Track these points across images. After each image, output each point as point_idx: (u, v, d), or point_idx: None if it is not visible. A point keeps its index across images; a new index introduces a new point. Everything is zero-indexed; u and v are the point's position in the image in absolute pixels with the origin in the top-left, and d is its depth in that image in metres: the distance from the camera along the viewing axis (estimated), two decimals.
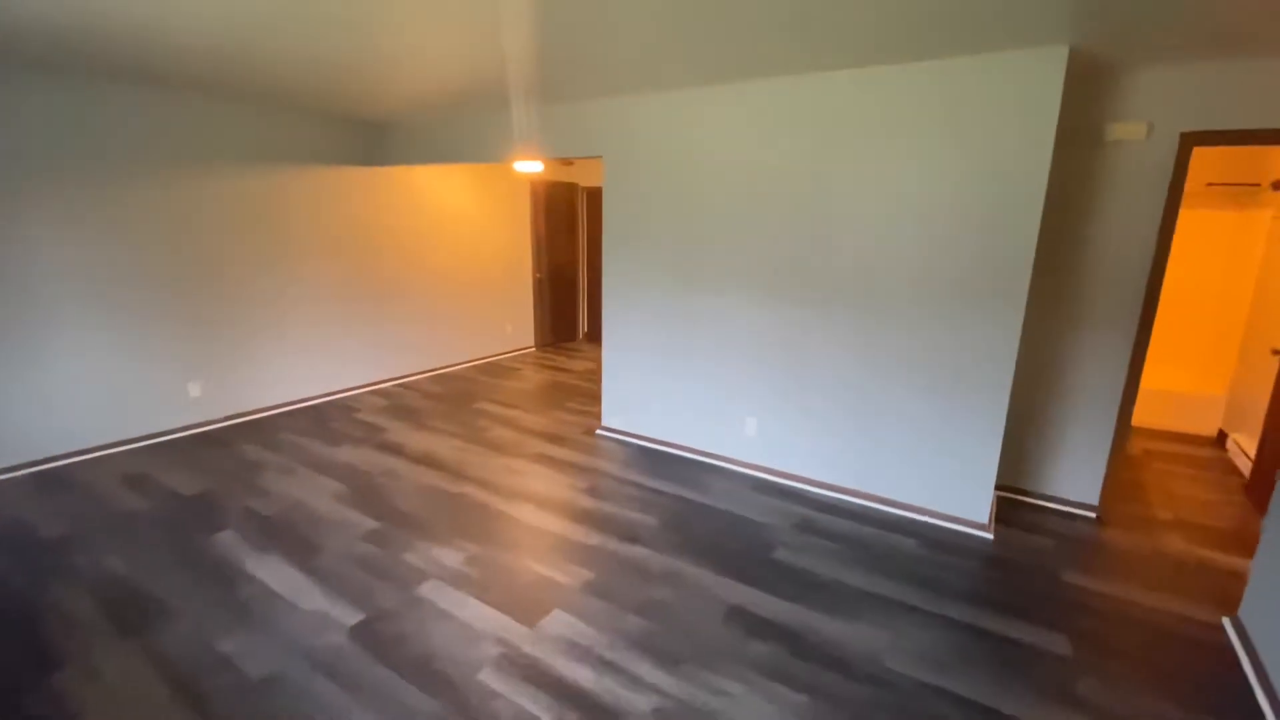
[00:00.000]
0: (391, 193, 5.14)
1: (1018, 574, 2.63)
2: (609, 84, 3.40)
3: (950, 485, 3.01)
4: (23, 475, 3.35)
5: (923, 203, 2.87)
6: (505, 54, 3.01)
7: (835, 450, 3.30)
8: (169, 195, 3.80)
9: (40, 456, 3.46)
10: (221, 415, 4.25)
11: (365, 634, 2.16)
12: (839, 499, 3.29)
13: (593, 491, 3.33)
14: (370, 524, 2.93)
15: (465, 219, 5.86)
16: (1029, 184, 2.63)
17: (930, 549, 2.81)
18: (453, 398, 5.02)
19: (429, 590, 2.42)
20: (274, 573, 2.52)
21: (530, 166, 5.16)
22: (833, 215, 3.10)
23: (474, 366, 6.08)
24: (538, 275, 6.86)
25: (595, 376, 5.74)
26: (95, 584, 2.42)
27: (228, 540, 2.76)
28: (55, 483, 3.28)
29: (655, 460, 3.78)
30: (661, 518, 3.05)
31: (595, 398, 5.04)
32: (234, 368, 4.27)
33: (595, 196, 7.14)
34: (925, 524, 3.04)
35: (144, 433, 3.88)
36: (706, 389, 3.70)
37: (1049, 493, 3.30)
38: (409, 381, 5.47)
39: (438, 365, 5.84)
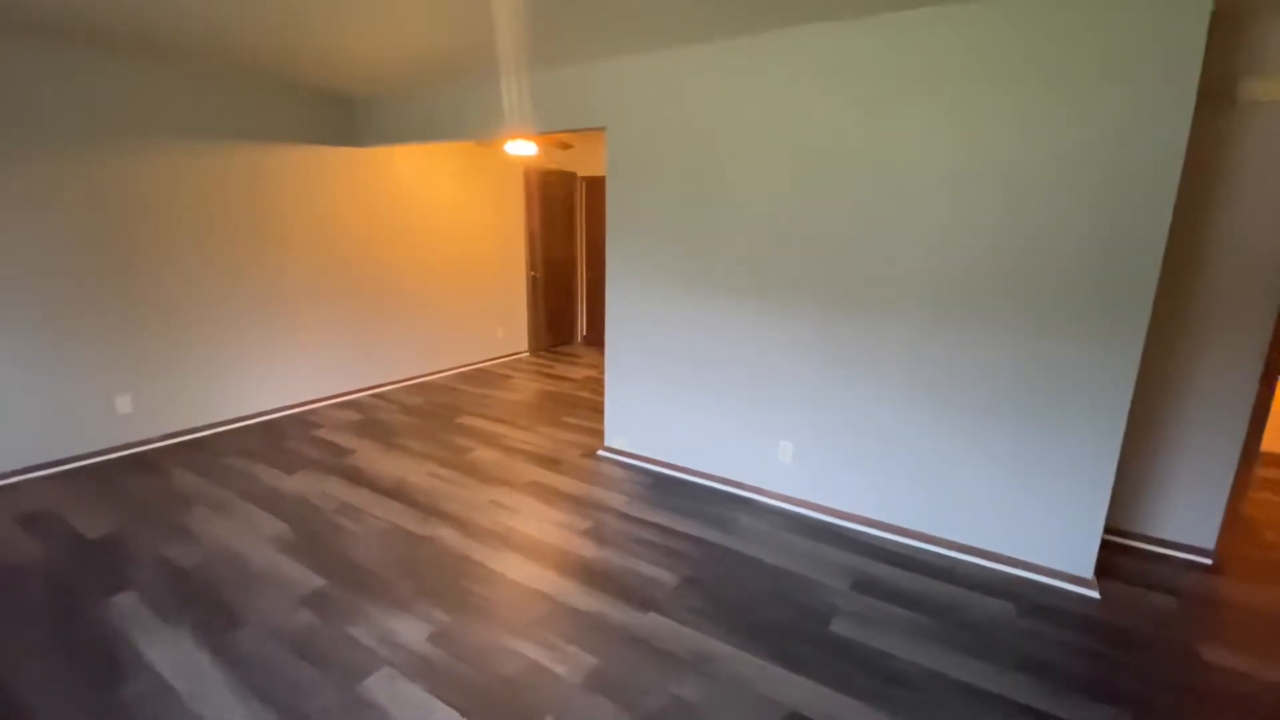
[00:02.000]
0: (367, 178, 4.51)
1: (1146, 653, 2.03)
2: (613, 42, 2.80)
3: (1045, 532, 2.41)
4: None
5: (1015, 180, 2.27)
6: (491, 8, 2.42)
7: (896, 485, 2.70)
8: (94, 174, 3.17)
9: None
10: (157, 434, 3.61)
11: None
12: (903, 545, 2.68)
13: (595, 534, 2.72)
14: (314, 581, 2.31)
15: (451, 210, 5.24)
16: (1162, 154, 2.04)
17: (1031, 616, 2.20)
18: (433, 411, 4.40)
19: (377, 685, 1.80)
20: (174, 657, 1.89)
21: (523, 148, 4.56)
22: (894, 196, 2.50)
23: (460, 374, 5.45)
24: (532, 273, 6.24)
25: (596, 385, 5.13)
26: None
27: (125, 606, 2.13)
28: None
29: (668, 490, 3.17)
30: (681, 571, 2.44)
31: (597, 410, 4.42)
32: (172, 378, 3.64)
33: (596, 186, 6.53)
34: (1015, 580, 2.43)
35: (60, 456, 3.25)
36: (730, 406, 3.09)
37: (1152, 533, 2.70)
38: (384, 392, 4.84)
39: (418, 373, 5.21)
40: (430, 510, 2.90)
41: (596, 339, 6.95)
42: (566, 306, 6.82)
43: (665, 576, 2.40)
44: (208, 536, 2.61)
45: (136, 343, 3.45)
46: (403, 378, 5.07)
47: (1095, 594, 2.33)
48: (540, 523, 2.81)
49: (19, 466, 3.13)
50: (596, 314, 6.93)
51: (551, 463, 3.49)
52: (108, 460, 3.37)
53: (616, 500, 3.05)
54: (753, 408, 3.02)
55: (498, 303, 5.92)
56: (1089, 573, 2.35)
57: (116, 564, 2.39)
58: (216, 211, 3.70)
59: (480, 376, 5.40)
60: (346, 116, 4.33)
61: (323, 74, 3.58)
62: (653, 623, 2.12)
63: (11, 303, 2.99)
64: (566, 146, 5.24)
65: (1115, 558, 2.61)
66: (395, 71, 3.46)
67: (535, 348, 6.43)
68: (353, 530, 2.70)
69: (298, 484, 3.14)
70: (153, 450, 3.53)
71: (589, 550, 2.58)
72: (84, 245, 3.20)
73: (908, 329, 2.55)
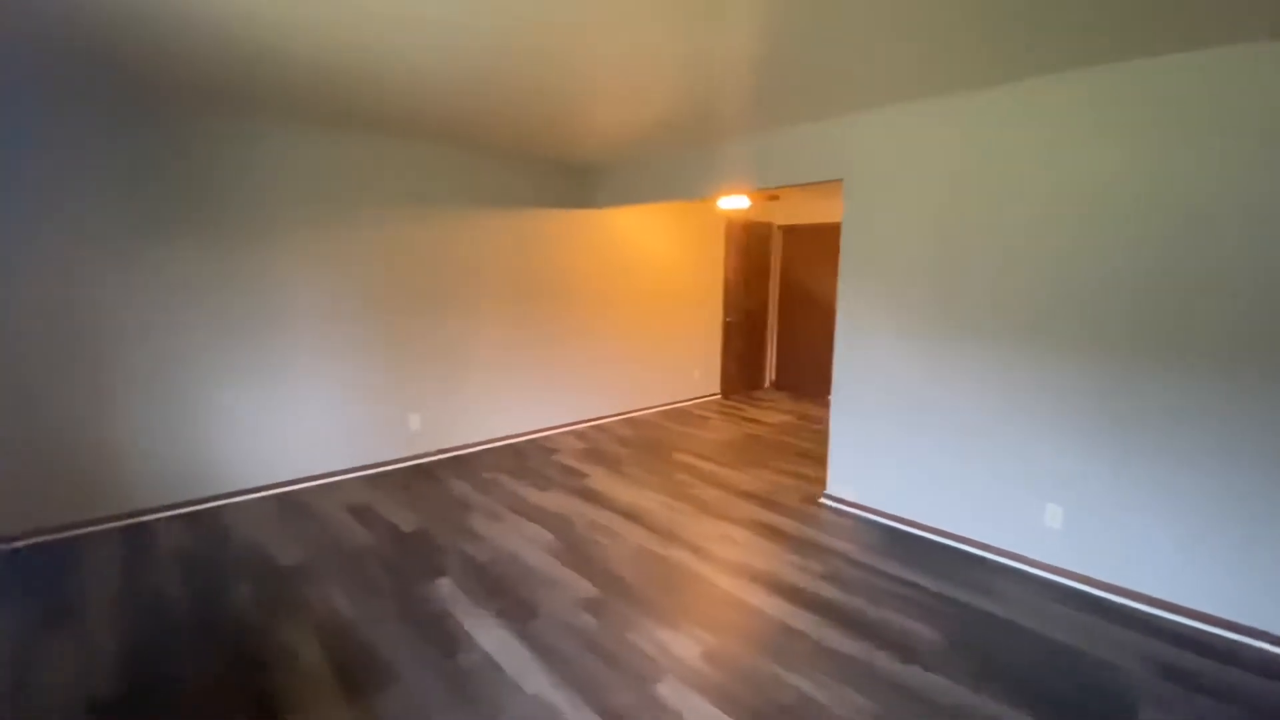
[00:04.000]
0: (588, 233, 5.09)
1: None
2: (856, 99, 2.93)
3: None
4: (269, 497, 3.57)
5: None
6: (725, 78, 2.69)
7: (1207, 563, 2.34)
8: (389, 235, 4.00)
9: (285, 479, 3.68)
10: (434, 449, 4.32)
11: None
12: (1217, 635, 2.29)
13: (834, 579, 2.70)
14: (587, 588, 2.59)
15: (659, 259, 5.68)
16: None
17: None
18: (647, 445, 4.70)
19: (668, 692, 1.96)
20: (494, 638, 2.24)
21: (737, 202, 4.85)
22: (1184, 235, 2.25)
23: (661, 412, 5.78)
24: (728, 318, 6.47)
25: (796, 432, 5.11)
26: (323, 625, 2.31)
27: (446, 591, 2.56)
28: (294, 508, 3.43)
29: (905, 545, 3.04)
30: (944, 630, 2.33)
31: (805, 457, 4.41)
32: (445, 402, 4.35)
33: (793, 235, 6.66)
34: None
35: (368, 462, 4.03)
36: (982, 460, 2.92)
37: None
38: (601, 424, 5.29)
39: (627, 409, 5.62)
40: (669, 536, 3.10)
41: (785, 384, 6.94)
42: (757, 352, 6.92)
43: (926, 633, 2.31)
44: (492, 538, 3.05)
45: (424, 371, 4.21)
46: (615, 412, 5.50)
47: None
48: (774, 561, 2.86)
49: (341, 468, 3.93)
50: (786, 359, 6.94)
51: (771, 504, 3.54)
52: (401, 468, 4.10)
53: (849, 548, 3.00)
54: (1010, 465, 2.83)
55: (695, 346, 6.21)
56: None
57: (430, 554, 2.88)
58: (474, 266, 4.43)
59: (680, 415, 5.67)
60: (578, 183, 4.95)
61: (563, 150, 4.18)
62: (923, 678, 2.05)
63: (338, 340, 3.84)
64: (774, 198, 5.45)
65: None
66: (626, 140, 3.92)
67: (727, 390, 6.59)
68: (607, 546, 2.97)
69: (552, 501, 3.54)
70: (431, 462, 4.22)
71: (831, 593, 2.57)
72: (384, 293, 4.01)
73: (1229, 385, 2.24)
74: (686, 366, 6.15)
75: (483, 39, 2.22)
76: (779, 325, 7.02)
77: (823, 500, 3.60)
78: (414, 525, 3.20)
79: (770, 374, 7.14)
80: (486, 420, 4.59)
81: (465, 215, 4.30)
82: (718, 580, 2.68)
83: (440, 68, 2.53)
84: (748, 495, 3.68)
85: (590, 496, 3.62)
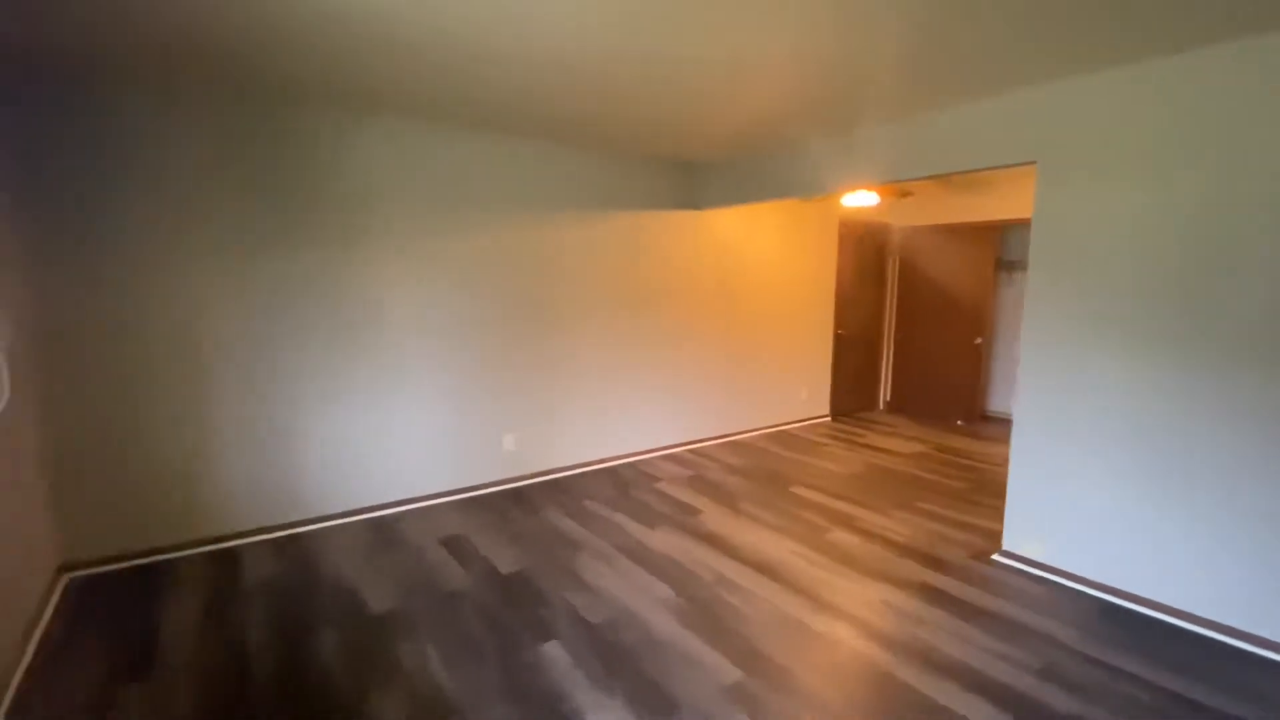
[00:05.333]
0: (689, 238, 4.60)
1: None
2: (1055, 63, 2.29)
3: None
4: (358, 522, 3.29)
5: None
6: (875, 53, 2.16)
7: None
8: (487, 241, 3.67)
9: (374, 503, 3.40)
10: (529, 471, 3.95)
11: None
12: None
13: (1056, 678, 2.04)
14: (729, 670, 2.07)
15: (764, 266, 5.11)
16: None
17: None
18: (758, 474, 4.14)
19: None
20: None
21: (862, 199, 4.24)
22: None
23: (767, 435, 5.19)
24: (839, 331, 5.81)
25: (935, 465, 4.39)
26: (417, 695, 1.92)
27: (557, 660, 2.12)
28: (385, 537, 3.12)
29: (1129, 628, 2.33)
30: None
31: (958, 499, 3.71)
32: (539, 422, 3.97)
33: (915, 237, 5.92)
34: None
35: (460, 485, 3.70)
36: (1239, 519, 2.19)
37: None
38: (701, 448, 4.77)
39: (729, 431, 5.07)
40: (815, 599, 2.53)
41: (903, 406, 6.17)
42: (871, 369, 6.20)
43: None
44: (602, 589, 2.59)
45: (521, 388, 3.85)
46: (715, 435, 4.97)
47: None
48: (966, 645, 2.23)
49: (432, 491, 3.61)
50: (905, 378, 6.17)
51: (934, 561, 2.90)
52: (495, 492, 3.74)
53: (1059, 630, 2.32)
54: (1260, 532, 2.08)
55: (804, 362, 5.59)
56: None
57: (534, 605, 2.46)
58: (581, 273, 4.04)
59: (788, 440, 5.06)
60: (688, 182, 4.49)
61: (683, 144, 3.72)
62: None
63: (436, 355, 3.53)
64: (907, 194, 4.78)
65: None
66: (752, 132, 3.42)
67: (836, 412, 5.91)
68: (741, 609, 2.45)
69: (663, 542, 3.05)
70: (525, 486, 3.85)
71: (1059, 700, 1.93)
72: (482, 307, 3.67)
73: None
74: (794, 384, 5.53)
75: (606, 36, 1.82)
76: (895, 339, 6.27)
77: (997, 558, 2.91)
78: (513, 565, 2.80)
79: (885, 394, 6.39)
80: (583, 441, 4.18)
81: (565, 219, 3.93)
82: (896, 670, 2.09)
83: (560, 55, 2.16)
84: (900, 547, 3.04)
85: (708, 539, 3.11)
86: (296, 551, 2.93)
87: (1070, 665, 2.11)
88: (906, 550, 3.01)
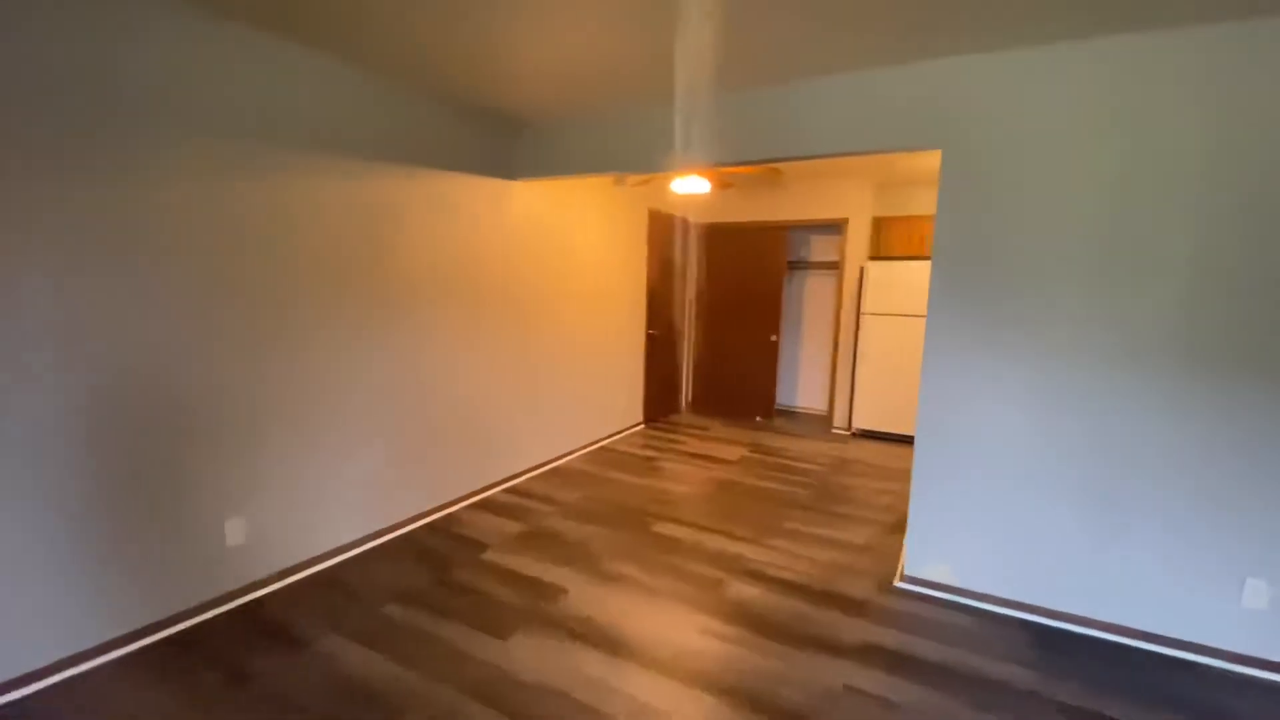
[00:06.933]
0: (494, 214, 3.56)
1: None
2: (970, 36, 2.03)
3: None
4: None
5: None
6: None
7: None
8: (201, 191, 2.16)
9: None
10: (271, 571, 2.46)
11: None
12: None
13: None
14: None
15: (582, 257, 4.30)
16: None
17: None
18: (605, 513, 3.34)
19: None
20: None
21: (692, 185, 3.78)
22: None
23: (588, 455, 4.41)
24: (651, 331, 5.32)
25: (769, 472, 4.15)
26: None
27: None
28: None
29: (1062, 649, 2.20)
30: None
31: (805, 508, 3.45)
32: (283, 493, 2.52)
33: (713, 235, 5.75)
34: None
35: (141, 623, 2.08)
36: (1147, 528, 2.20)
37: None
38: (518, 484, 3.76)
39: (548, 458, 4.14)
40: (779, 714, 1.85)
41: (704, 406, 6.02)
42: (673, 370, 5.88)
43: None
44: None
45: (245, 447, 2.36)
46: (530, 465, 3.98)
47: None
48: None
49: (78, 650, 1.94)
50: (705, 377, 6.02)
51: (852, 605, 2.48)
52: (211, 618, 2.21)
53: (1014, 674, 2.05)
54: (1190, 528, 2.13)
55: (620, 366, 4.95)
56: None
57: None
58: (321, 244, 2.70)
59: (614, 458, 4.37)
60: (494, 142, 3.41)
61: (480, 83, 2.69)
62: None
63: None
64: (728, 185, 4.46)
65: None
66: (577, 87, 2.61)
67: (649, 417, 5.44)
68: None
69: (529, 660, 2.04)
70: (268, 594, 2.38)
71: None
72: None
73: None
74: (612, 392, 4.86)
75: None
76: (695, 338, 6.07)
77: (900, 585, 2.64)
78: None
79: (687, 394, 6.16)
80: (355, 508, 2.82)
81: (309, 163, 2.53)
82: None
83: None
84: (807, 593, 2.56)
85: (590, 637, 2.19)
86: None
87: (1030, 711, 1.83)
88: (814, 595, 2.54)
